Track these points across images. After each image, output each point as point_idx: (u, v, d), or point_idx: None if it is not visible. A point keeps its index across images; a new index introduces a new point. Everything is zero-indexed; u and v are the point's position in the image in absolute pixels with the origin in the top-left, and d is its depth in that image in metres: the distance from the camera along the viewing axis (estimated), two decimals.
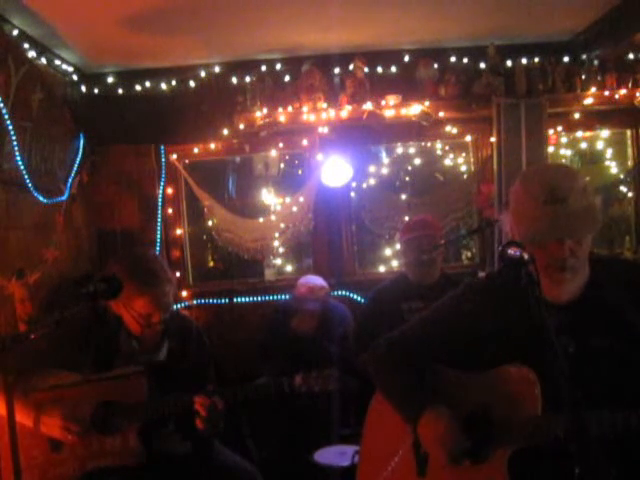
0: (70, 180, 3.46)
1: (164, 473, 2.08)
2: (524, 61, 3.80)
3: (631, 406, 1.36)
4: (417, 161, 4.82)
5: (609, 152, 4.25)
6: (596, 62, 3.76)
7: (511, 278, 1.28)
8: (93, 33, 3.23)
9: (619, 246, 4.24)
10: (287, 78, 3.86)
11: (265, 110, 3.68)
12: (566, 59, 3.81)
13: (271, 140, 3.90)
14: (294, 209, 3.93)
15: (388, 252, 4.36)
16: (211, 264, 5.00)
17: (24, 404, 1.95)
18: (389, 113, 3.67)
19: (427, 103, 3.69)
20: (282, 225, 3.94)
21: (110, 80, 3.89)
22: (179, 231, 4.04)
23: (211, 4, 2.94)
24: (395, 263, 4.26)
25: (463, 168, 4.55)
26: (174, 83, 3.91)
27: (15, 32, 2.93)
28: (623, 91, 3.69)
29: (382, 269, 4.25)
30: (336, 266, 3.99)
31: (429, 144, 4.66)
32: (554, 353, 1.20)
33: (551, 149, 3.93)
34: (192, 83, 3.91)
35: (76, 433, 1.96)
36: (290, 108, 3.69)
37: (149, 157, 3.90)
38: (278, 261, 4.40)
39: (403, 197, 4.14)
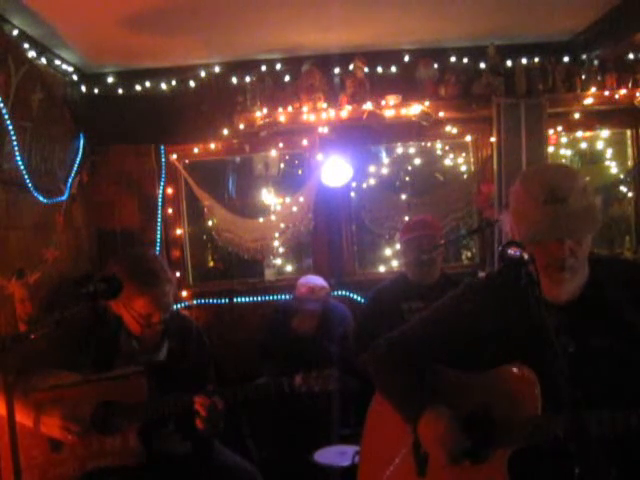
0: (70, 180, 3.47)
1: (164, 473, 2.08)
2: (524, 61, 3.80)
3: (631, 406, 1.36)
4: (417, 161, 4.81)
5: (609, 152, 4.24)
6: (596, 62, 3.76)
7: (511, 278, 1.28)
8: (93, 33, 3.23)
9: (619, 246, 4.24)
10: (287, 78, 3.86)
11: (265, 110, 3.68)
12: (566, 59, 3.81)
13: (271, 140, 3.90)
14: (294, 209, 3.93)
15: (388, 252, 4.36)
16: (211, 264, 5.00)
17: (24, 404, 1.95)
18: (389, 113, 3.67)
19: (427, 103, 3.69)
20: (282, 225, 3.94)
21: (110, 80, 3.89)
22: (179, 231, 4.04)
23: (211, 4, 2.94)
24: (395, 263, 4.26)
25: (463, 168, 4.55)
26: (174, 83, 3.91)
27: (15, 32, 2.93)
28: (623, 91, 3.69)
29: (382, 269, 4.25)
30: (336, 266, 3.99)
31: (429, 144, 4.66)
32: (554, 353, 1.20)
33: (551, 149, 3.93)
34: (192, 83, 3.91)
35: (76, 433, 1.96)
36: (290, 108, 3.69)
37: (149, 157, 3.90)
38: (278, 261, 4.40)
39: (403, 197, 4.14)
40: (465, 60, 3.87)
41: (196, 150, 3.95)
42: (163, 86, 3.91)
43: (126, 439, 2.00)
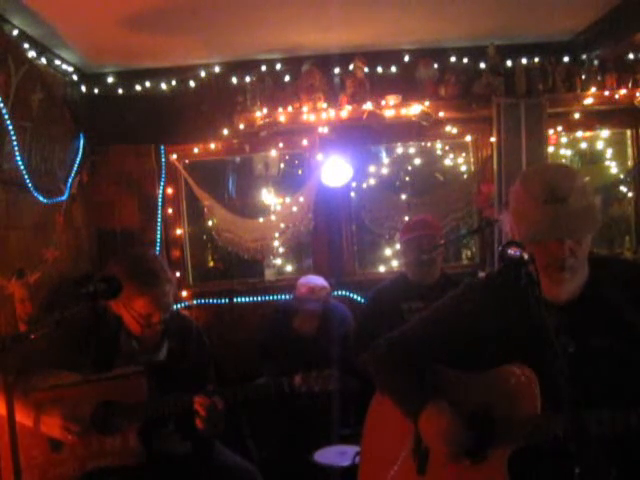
0: (70, 180, 3.46)
1: (164, 473, 2.08)
2: (524, 61, 3.80)
3: (631, 406, 1.36)
4: (417, 161, 4.82)
5: (609, 152, 4.25)
6: (596, 62, 3.76)
7: (511, 278, 1.28)
8: (93, 33, 3.23)
9: (619, 246, 4.24)
10: (287, 78, 3.86)
11: (265, 110, 3.68)
12: (566, 59, 3.81)
13: (271, 140, 3.90)
14: (294, 209, 3.93)
15: (388, 252, 4.36)
16: (211, 264, 4.99)
17: (24, 404, 1.95)
18: (389, 113, 3.67)
19: (427, 103, 3.69)
20: (282, 225, 3.94)
21: (110, 80, 3.89)
22: (179, 231, 4.04)
23: (211, 4, 2.94)
24: (395, 263, 4.26)
25: (463, 168, 4.55)
26: (174, 83, 3.91)
27: (15, 32, 2.93)
28: (623, 91, 3.69)
29: (382, 269, 4.25)
30: (336, 266, 3.99)
31: (429, 144, 4.66)
32: (554, 353, 1.20)
33: (551, 149, 3.92)
34: (192, 83, 3.91)
35: (76, 433, 1.96)
36: (290, 108, 3.69)
37: (149, 157, 3.89)
38: (278, 261, 4.40)
39: (403, 197, 4.14)
40: (465, 60, 3.87)
41: (196, 150, 3.95)
42: (163, 86, 3.90)
43: (126, 439, 2.00)
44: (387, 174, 4.63)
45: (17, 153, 2.73)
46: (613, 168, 4.25)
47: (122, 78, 3.90)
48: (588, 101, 3.71)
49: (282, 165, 4.84)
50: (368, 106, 3.64)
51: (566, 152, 4.33)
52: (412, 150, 4.71)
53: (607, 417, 1.36)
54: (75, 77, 3.74)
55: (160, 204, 3.92)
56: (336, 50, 3.77)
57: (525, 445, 1.45)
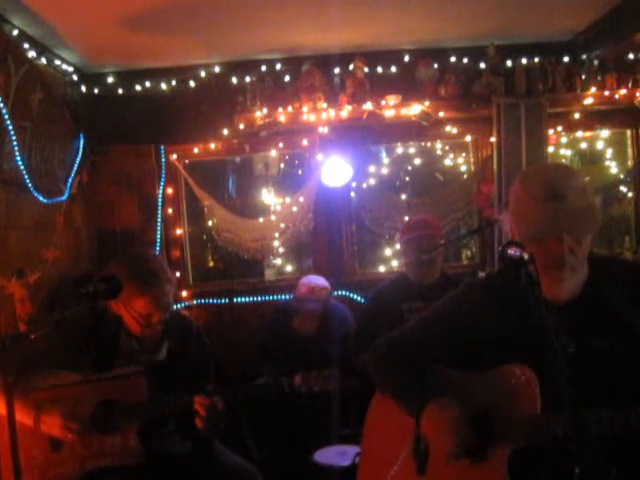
0: (70, 180, 3.47)
1: (164, 473, 2.08)
2: (524, 61, 3.80)
3: (631, 406, 1.36)
4: (417, 161, 4.81)
5: (609, 152, 4.25)
6: (596, 62, 3.76)
7: (511, 278, 1.28)
8: (93, 33, 3.23)
9: (619, 246, 4.24)
10: (287, 78, 3.86)
11: (265, 110, 3.68)
12: (566, 59, 3.81)
13: (271, 140, 3.90)
14: (294, 209, 3.93)
15: (388, 252, 4.36)
16: (211, 264, 4.99)
17: (24, 403, 1.95)
18: (389, 113, 3.67)
19: (427, 103, 3.69)
20: (282, 225, 3.94)
21: (110, 80, 3.89)
22: (179, 231, 4.04)
23: (211, 4, 2.94)
24: (395, 263, 4.26)
25: (463, 168, 4.55)
26: (174, 83, 3.91)
27: (15, 32, 2.93)
28: (623, 91, 3.69)
29: (382, 269, 4.25)
30: (336, 266, 3.99)
31: (429, 144, 4.65)
32: (554, 353, 1.20)
33: (551, 149, 3.93)
34: (192, 83, 3.91)
35: (76, 432, 1.96)
36: (290, 108, 3.69)
37: (149, 157, 3.90)
38: (278, 261, 4.40)
39: (403, 197, 4.14)
40: (465, 60, 3.87)
41: (196, 150, 3.95)
42: (163, 86, 3.91)
43: (126, 439, 2.00)
44: (387, 174, 4.63)
45: (17, 153, 2.73)
46: (613, 168, 4.25)
47: (122, 78, 3.90)
48: (588, 101, 3.71)
49: (282, 165, 4.84)
50: (368, 106, 3.64)
51: (566, 152, 4.33)
52: (412, 150, 4.71)
53: (607, 417, 1.36)
54: (75, 77, 3.74)
55: (160, 204, 3.92)
56: (336, 50, 3.77)
57: (525, 445, 1.45)
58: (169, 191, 3.99)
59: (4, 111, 2.58)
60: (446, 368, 1.64)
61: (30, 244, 2.98)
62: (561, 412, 1.22)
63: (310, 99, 3.66)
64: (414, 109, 3.67)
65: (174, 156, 3.97)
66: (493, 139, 3.80)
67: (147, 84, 3.90)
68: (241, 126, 3.71)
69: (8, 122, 2.62)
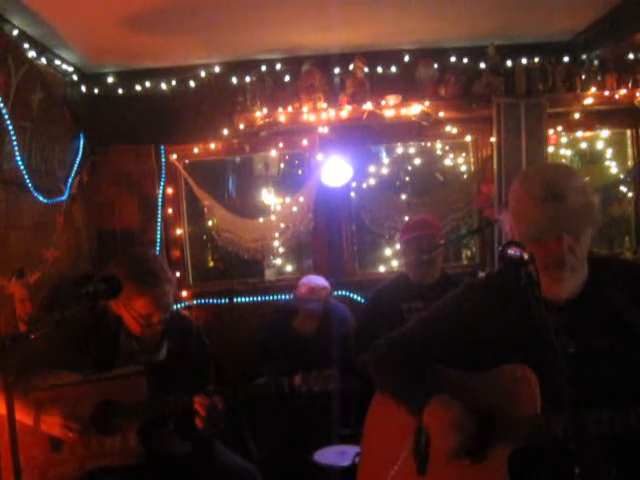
0: (70, 180, 3.47)
1: (164, 473, 2.08)
2: (524, 61, 3.80)
3: (631, 406, 1.36)
4: (417, 161, 4.81)
5: (609, 152, 4.25)
6: (596, 62, 3.76)
7: (511, 278, 1.28)
8: (93, 33, 3.23)
9: (619, 246, 4.24)
10: (287, 78, 3.86)
11: (265, 110, 3.68)
12: (566, 59, 3.81)
13: (271, 140, 3.89)
14: (294, 209, 3.94)
15: (388, 252, 4.36)
16: (211, 264, 4.99)
17: (24, 403, 1.95)
18: (389, 113, 3.67)
19: (427, 103, 3.69)
20: (282, 225, 3.94)
21: (110, 80, 3.89)
22: (179, 231, 4.04)
23: (211, 4, 2.94)
24: (395, 263, 4.26)
25: (463, 168, 4.55)
26: (174, 83, 3.91)
27: (15, 32, 2.93)
28: (623, 91, 3.69)
29: (382, 269, 4.25)
30: (336, 266, 3.99)
31: (429, 144, 4.65)
32: (554, 353, 1.20)
33: (551, 149, 3.93)
34: (192, 83, 3.91)
35: (76, 431, 1.96)
36: (290, 108, 3.69)
37: (149, 157, 3.90)
38: (278, 261, 4.40)
39: (403, 197, 4.14)
40: (465, 60, 3.87)
41: (196, 150, 3.95)
42: (163, 86, 3.90)
43: (126, 439, 2.00)
44: (387, 174, 4.63)
45: (17, 153, 2.73)
46: (613, 168, 4.25)
47: (122, 78, 3.90)
48: (588, 101, 3.71)
49: (282, 165, 4.84)
50: (368, 106, 3.64)
51: (566, 152, 4.33)
52: (412, 150, 4.71)
53: (607, 417, 1.36)
54: (75, 77, 3.74)
55: (160, 204, 3.92)
56: (336, 50, 3.77)
57: (525, 445, 1.45)
58: (169, 191, 3.99)
59: (4, 111, 2.58)
60: (446, 368, 1.64)
61: (30, 244, 2.98)
62: (561, 412, 1.22)
63: (310, 99, 3.66)
64: (414, 109, 3.67)
65: (174, 156, 3.97)
66: (493, 139, 3.79)
67: (147, 84, 3.90)
68: (241, 126, 3.71)
69: (8, 122, 2.62)
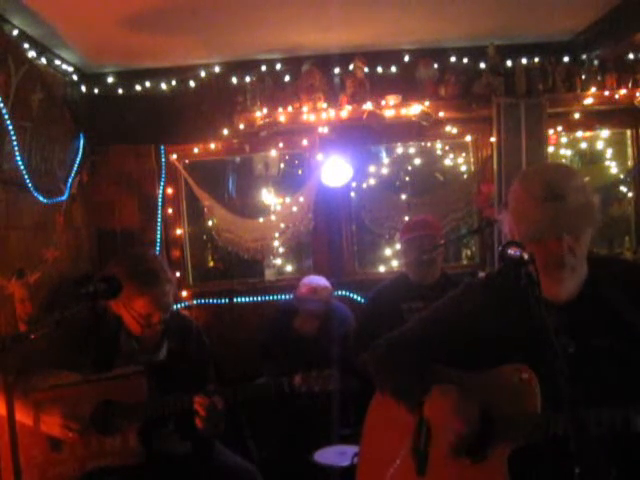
0: (70, 180, 3.47)
1: (164, 473, 2.08)
2: (524, 61, 3.80)
3: (631, 406, 1.36)
4: (417, 161, 4.82)
5: (609, 152, 4.25)
6: (596, 62, 3.76)
7: (511, 278, 1.28)
8: (93, 33, 3.23)
9: (619, 246, 4.24)
10: (287, 78, 3.86)
11: (265, 110, 3.68)
12: (566, 59, 3.81)
13: (271, 140, 3.89)
14: (294, 209, 3.94)
15: (388, 252, 4.36)
16: (211, 264, 5.00)
17: (24, 403, 1.95)
18: (389, 113, 3.67)
19: (427, 103, 3.69)
20: (282, 225, 3.94)
21: (110, 80, 3.89)
22: (179, 231, 4.04)
23: (211, 4, 2.94)
24: (395, 263, 4.26)
25: (463, 168, 4.55)
26: (174, 83, 3.91)
27: (15, 32, 2.93)
28: (623, 91, 3.69)
29: (382, 269, 4.25)
30: (336, 266, 3.99)
31: (429, 144, 4.66)
32: (554, 353, 1.20)
33: (551, 149, 3.93)
34: (192, 83, 3.91)
35: (76, 431, 1.96)
36: (290, 108, 3.69)
37: (149, 157, 3.90)
38: (278, 261, 4.40)
39: (403, 197, 4.14)
40: (465, 60, 3.87)
41: (196, 150, 3.95)
42: (163, 86, 3.90)
43: (126, 439, 2.00)
44: (387, 174, 4.63)
45: (17, 153, 2.73)
46: (613, 168, 4.25)
47: (122, 78, 3.90)
48: (588, 101, 3.71)
49: (282, 165, 4.84)
50: (368, 106, 3.64)
51: (566, 152, 4.33)
52: (412, 150, 4.71)
53: (607, 417, 1.36)
54: (75, 77, 3.74)
55: (160, 204, 3.92)
56: (336, 50, 3.77)
57: (525, 444, 1.45)
58: (169, 191, 3.99)
59: (4, 111, 2.58)
60: (446, 368, 1.64)
61: (30, 244, 2.98)
62: (561, 412, 1.22)
63: (310, 99, 3.66)
64: (414, 109, 3.67)
65: (174, 156, 3.97)
66: (493, 139, 3.79)
67: (147, 84, 3.90)
68: (241, 126, 3.71)
69: (8, 122, 2.62)
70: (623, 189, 4.21)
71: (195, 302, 3.96)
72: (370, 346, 1.78)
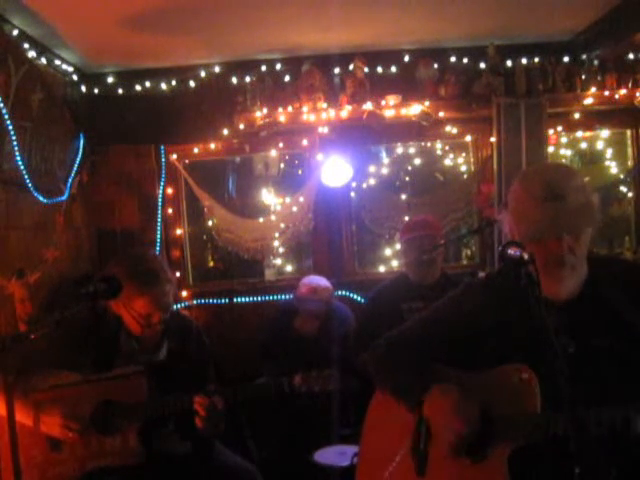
0: (70, 180, 3.47)
1: (164, 473, 2.08)
2: (524, 61, 3.80)
3: (631, 406, 1.36)
4: (417, 161, 4.82)
5: (609, 152, 4.25)
6: (596, 62, 3.76)
7: (511, 278, 1.28)
8: (93, 33, 3.23)
9: (619, 246, 4.24)
10: (287, 78, 3.86)
11: (265, 110, 3.68)
12: (566, 59, 3.81)
13: (271, 140, 3.89)
14: (294, 209, 3.94)
15: (388, 252, 4.36)
16: (211, 264, 5.00)
17: (24, 403, 1.95)
18: (389, 113, 3.67)
19: (427, 103, 3.69)
20: (282, 225, 3.94)
21: (110, 80, 3.89)
22: (179, 231, 4.04)
23: (211, 4, 2.94)
24: (395, 263, 4.26)
25: (463, 168, 4.55)
26: (174, 83, 3.91)
27: (15, 32, 2.93)
28: (623, 91, 3.69)
29: (382, 269, 4.25)
30: (336, 266, 3.99)
31: (429, 144, 4.66)
32: (554, 353, 1.20)
33: (551, 149, 3.93)
34: (192, 83, 3.91)
35: (76, 431, 1.96)
36: (290, 108, 3.69)
37: (149, 157, 3.90)
38: (278, 261, 4.40)
39: (403, 197, 4.14)
40: (465, 60, 3.87)
41: (196, 150, 3.95)
42: (163, 86, 3.90)
43: (126, 439, 2.00)
44: (387, 174, 4.63)
45: (17, 153, 2.73)
46: (613, 168, 4.25)
47: (122, 78, 3.90)
48: (588, 101, 3.71)
49: (282, 165, 4.84)
50: (368, 106, 3.64)
51: (566, 152, 4.33)
52: (412, 150, 4.71)
53: (607, 417, 1.36)
54: (75, 77, 3.74)
55: (160, 204, 3.92)
56: (336, 50, 3.77)
57: (525, 444, 1.45)
58: (169, 191, 3.99)
59: (4, 111, 2.58)
60: (445, 368, 1.64)
61: (30, 244, 2.98)
62: (561, 412, 1.22)
63: (310, 99, 3.66)
64: (414, 109, 3.67)
65: (174, 156, 3.97)
66: (493, 139, 3.79)
67: (147, 84, 3.90)
68: (241, 126, 3.71)
69: (8, 122, 2.62)
70: (623, 189, 4.21)
71: (195, 302, 3.96)
72: (370, 346, 1.78)
